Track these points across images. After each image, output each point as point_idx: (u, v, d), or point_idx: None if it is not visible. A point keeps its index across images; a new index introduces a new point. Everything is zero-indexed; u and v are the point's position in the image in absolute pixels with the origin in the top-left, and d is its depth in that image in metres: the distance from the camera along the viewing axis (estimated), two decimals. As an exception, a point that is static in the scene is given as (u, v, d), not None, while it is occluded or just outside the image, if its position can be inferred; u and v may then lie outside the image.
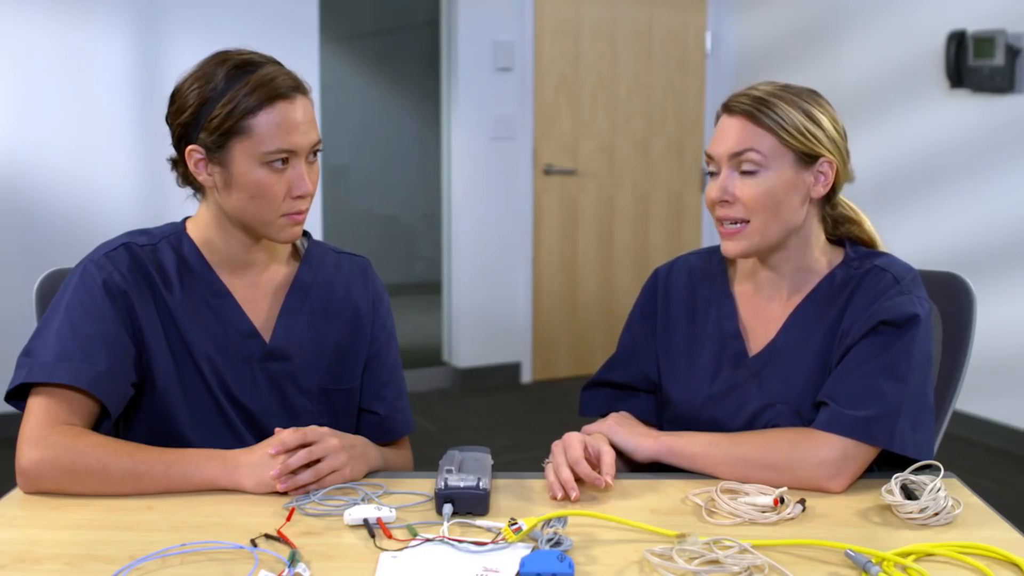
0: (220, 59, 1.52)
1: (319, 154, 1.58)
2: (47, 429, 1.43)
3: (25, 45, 4.19)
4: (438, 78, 5.20)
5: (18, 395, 1.50)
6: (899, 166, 4.59)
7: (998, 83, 4.10)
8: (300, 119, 1.51)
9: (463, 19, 5.00)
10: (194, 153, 1.53)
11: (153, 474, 1.42)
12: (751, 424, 1.60)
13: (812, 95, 1.59)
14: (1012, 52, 4.07)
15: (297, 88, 1.52)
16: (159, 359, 1.55)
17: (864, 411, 1.47)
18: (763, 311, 1.64)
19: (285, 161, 1.51)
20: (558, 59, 5.24)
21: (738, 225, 1.56)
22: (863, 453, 1.47)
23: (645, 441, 1.56)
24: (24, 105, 4.22)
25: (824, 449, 1.46)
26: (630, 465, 1.61)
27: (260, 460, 1.43)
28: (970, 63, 4.18)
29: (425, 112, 6.68)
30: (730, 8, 5.54)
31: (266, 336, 1.61)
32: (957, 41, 4.22)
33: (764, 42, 5.37)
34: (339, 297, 1.68)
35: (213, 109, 1.49)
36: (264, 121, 1.48)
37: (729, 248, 1.58)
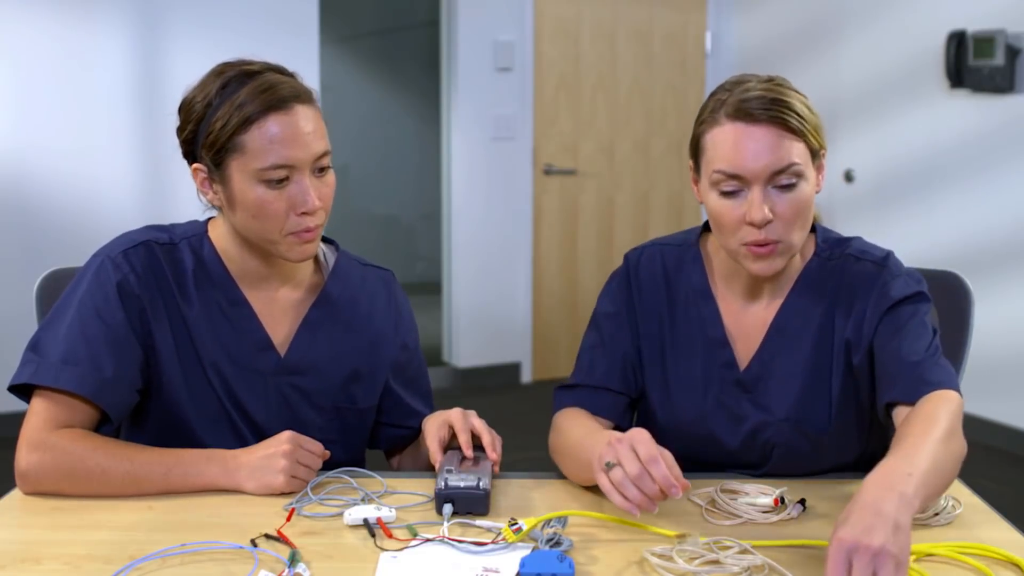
0: (218, 71, 1.47)
1: (330, 166, 1.49)
2: (47, 432, 1.43)
3: (25, 45, 4.18)
4: (438, 78, 5.20)
5: (22, 388, 1.48)
6: (899, 166, 4.59)
7: (998, 83, 4.10)
8: (298, 130, 1.42)
9: (463, 19, 5.00)
10: (199, 172, 1.48)
11: (152, 477, 1.42)
12: (752, 440, 1.54)
13: (787, 82, 1.48)
14: (1012, 52, 4.07)
15: (297, 97, 1.44)
16: (167, 364, 1.52)
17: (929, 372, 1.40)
18: (745, 314, 1.56)
19: (286, 177, 1.43)
20: (558, 59, 5.24)
21: (770, 246, 1.43)
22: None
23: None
24: (24, 105, 4.22)
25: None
26: None
27: (260, 462, 1.43)
28: (970, 63, 4.18)
29: (425, 112, 6.68)
30: (730, 8, 5.54)
31: (282, 350, 1.57)
32: (957, 41, 4.22)
33: (764, 42, 5.36)
34: (362, 314, 1.63)
35: (208, 126, 1.43)
36: (256, 136, 1.41)
37: (765, 268, 1.45)
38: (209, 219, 1.59)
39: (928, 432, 1.26)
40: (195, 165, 1.49)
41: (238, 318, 1.55)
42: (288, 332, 1.58)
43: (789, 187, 1.42)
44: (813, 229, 1.57)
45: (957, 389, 1.39)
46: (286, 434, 1.45)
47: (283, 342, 1.57)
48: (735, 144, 1.42)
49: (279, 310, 1.58)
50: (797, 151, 1.41)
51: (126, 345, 1.48)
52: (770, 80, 1.46)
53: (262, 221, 1.45)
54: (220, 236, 1.55)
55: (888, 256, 1.54)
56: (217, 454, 1.45)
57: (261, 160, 1.42)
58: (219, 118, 1.42)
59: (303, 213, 1.44)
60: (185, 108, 1.48)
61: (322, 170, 1.48)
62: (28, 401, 1.48)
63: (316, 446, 1.47)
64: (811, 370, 1.52)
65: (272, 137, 1.41)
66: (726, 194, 1.44)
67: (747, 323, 1.56)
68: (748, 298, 1.56)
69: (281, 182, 1.43)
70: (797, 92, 1.47)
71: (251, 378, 1.56)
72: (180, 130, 1.49)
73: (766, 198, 1.41)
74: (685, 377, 1.57)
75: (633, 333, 1.60)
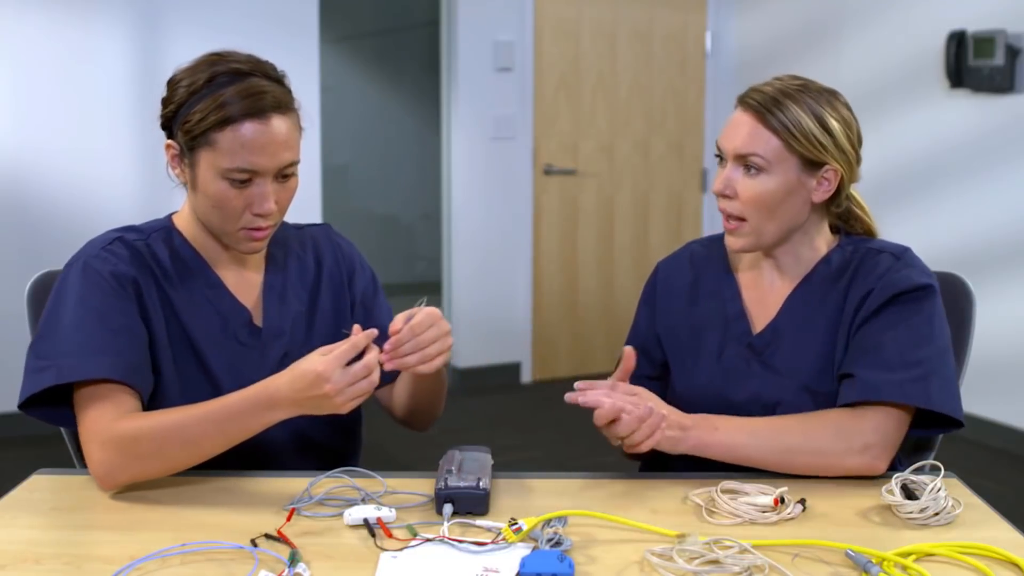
0: (212, 61, 1.51)
1: (295, 173, 1.54)
2: (111, 424, 1.41)
3: (25, 45, 4.18)
4: (438, 78, 5.20)
5: (35, 402, 1.48)
6: (899, 166, 4.59)
7: (998, 83, 4.10)
8: (270, 140, 1.47)
9: (463, 19, 5.00)
10: (171, 148, 1.54)
11: (232, 428, 1.39)
12: (758, 399, 1.61)
13: (831, 98, 1.59)
14: (1012, 52, 4.07)
15: (277, 107, 1.48)
16: (162, 348, 1.55)
17: (897, 374, 1.49)
18: (764, 294, 1.67)
19: (249, 179, 1.48)
20: (558, 59, 5.24)
21: (734, 222, 1.59)
22: (900, 423, 1.50)
23: (678, 436, 1.48)
24: (24, 105, 4.22)
25: (869, 435, 1.48)
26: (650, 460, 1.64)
27: (311, 402, 1.36)
28: (970, 63, 4.18)
29: (425, 112, 6.68)
30: (730, 8, 5.54)
31: (258, 321, 1.62)
32: (957, 41, 4.22)
33: (764, 42, 5.36)
34: (310, 266, 1.70)
35: (189, 113, 1.48)
36: (230, 137, 1.46)
37: (731, 243, 1.62)
38: (171, 214, 1.64)
39: (785, 431, 1.50)
40: (169, 141, 1.54)
41: (218, 299, 1.60)
42: (259, 303, 1.64)
43: (752, 174, 1.57)
44: (836, 231, 1.69)
45: (903, 402, 1.49)
46: (319, 370, 1.34)
47: (257, 313, 1.63)
48: (729, 122, 1.61)
49: (247, 284, 1.63)
50: (767, 145, 1.55)
51: (138, 329, 1.51)
52: (800, 86, 1.57)
53: (219, 212, 1.52)
54: (186, 225, 1.61)
55: (906, 250, 1.65)
56: (262, 401, 1.38)
57: (229, 161, 1.47)
58: (199, 110, 1.47)
59: (258, 214, 1.51)
60: (171, 86, 1.54)
61: (286, 176, 1.53)
62: (40, 415, 1.49)
63: (357, 364, 1.35)
64: (822, 341, 1.60)
65: (244, 142, 1.46)
66: (720, 162, 1.63)
67: (765, 301, 1.67)
68: (768, 281, 1.67)
69: (244, 182, 1.49)
70: (821, 107, 1.56)
71: (246, 352, 1.60)
72: (164, 103, 1.54)
73: (733, 176, 1.58)
74: (704, 347, 1.68)
75: (651, 322, 1.75)
